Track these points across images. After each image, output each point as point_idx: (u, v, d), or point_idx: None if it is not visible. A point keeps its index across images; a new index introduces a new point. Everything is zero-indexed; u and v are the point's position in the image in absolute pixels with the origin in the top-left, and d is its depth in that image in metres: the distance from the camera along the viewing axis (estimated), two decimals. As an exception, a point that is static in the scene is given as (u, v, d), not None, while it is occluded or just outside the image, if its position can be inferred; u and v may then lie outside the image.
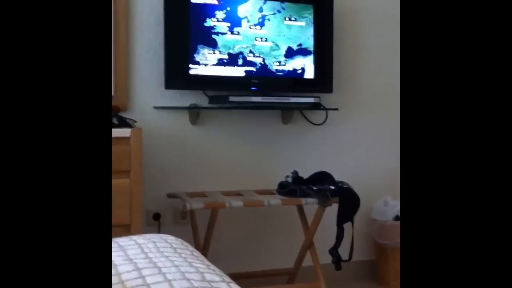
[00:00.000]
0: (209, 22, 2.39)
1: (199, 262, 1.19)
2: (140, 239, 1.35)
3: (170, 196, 2.35)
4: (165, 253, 1.23)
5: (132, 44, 2.37)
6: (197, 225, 2.28)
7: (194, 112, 2.45)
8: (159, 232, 2.35)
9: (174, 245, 1.31)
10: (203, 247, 2.23)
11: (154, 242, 1.32)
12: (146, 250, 1.25)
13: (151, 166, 2.31)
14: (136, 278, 1.08)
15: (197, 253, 1.30)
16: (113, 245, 1.31)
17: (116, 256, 1.21)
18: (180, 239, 1.40)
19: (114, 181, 1.90)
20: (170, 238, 1.38)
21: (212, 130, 2.51)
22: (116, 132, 1.96)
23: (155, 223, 2.37)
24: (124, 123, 2.11)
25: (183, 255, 1.24)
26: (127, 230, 1.92)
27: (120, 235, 1.74)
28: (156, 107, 2.40)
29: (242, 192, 2.40)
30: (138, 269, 1.12)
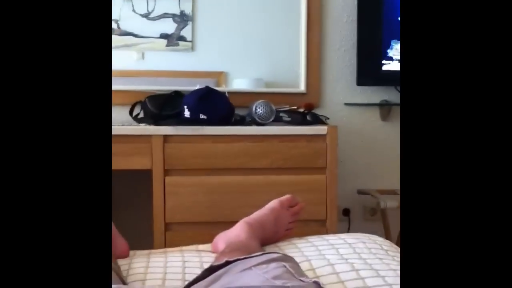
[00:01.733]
0: (401, 16, 2.33)
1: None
2: (349, 238, 1.36)
3: (360, 192, 2.35)
4: (378, 255, 1.23)
5: (325, 42, 2.40)
6: (389, 223, 2.25)
7: (385, 109, 2.41)
8: (349, 227, 2.37)
9: (384, 247, 1.30)
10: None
11: (364, 242, 1.32)
12: (358, 250, 1.26)
13: (341, 162, 2.32)
14: (355, 279, 1.09)
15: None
16: (322, 243, 1.34)
17: (330, 255, 1.24)
18: (388, 241, 1.39)
19: (311, 177, 1.97)
20: (379, 239, 1.37)
21: (402, 127, 2.45)
22: (313, 130, 2.00)
23: (344, 218, 2.39)
24: (317, 120, 2.15)
25: (396, 258, 1.23)
26: (323, 225, 1.97)
27: (316, 230, 1.79)
28: (347, 104, 2.41)
29: (435, 192, 2.31)
30: (356, 270, 1.13)
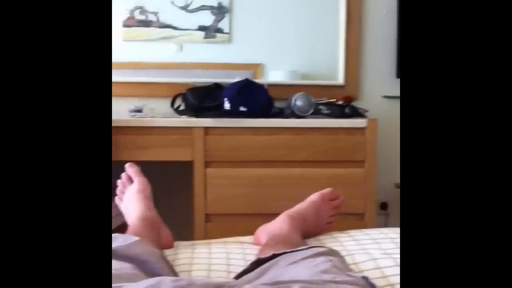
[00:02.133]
0: (442, 7, 2.29)
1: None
2: (390, 233, 1.36)
3: (399, 186, 2.34)
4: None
5: (364, 33, 2.38)
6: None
7: (424, 101, 2.39)
8: (387, 221, 2.36)
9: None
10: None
11: (406, 237, 1.32)
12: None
13: (379, 155, 2.31)
14: (399, 275, 1.09)
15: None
16: (364, 237, 1.34)
17: (373, 249, 1.23)
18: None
19: (350, 171, 1.97)
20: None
21: (442, 120, 2.42)
22: (352, 123, 2.00)
23: (382, 212, 2.38)
24: (356, 113, 2.14)
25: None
26: (361, 219, 1.96)
27: (354, 224, 1.79)
28: (385, 96, 2.39)
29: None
30: (399, 265, 1.13)
